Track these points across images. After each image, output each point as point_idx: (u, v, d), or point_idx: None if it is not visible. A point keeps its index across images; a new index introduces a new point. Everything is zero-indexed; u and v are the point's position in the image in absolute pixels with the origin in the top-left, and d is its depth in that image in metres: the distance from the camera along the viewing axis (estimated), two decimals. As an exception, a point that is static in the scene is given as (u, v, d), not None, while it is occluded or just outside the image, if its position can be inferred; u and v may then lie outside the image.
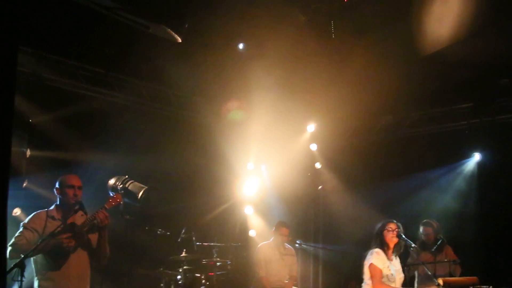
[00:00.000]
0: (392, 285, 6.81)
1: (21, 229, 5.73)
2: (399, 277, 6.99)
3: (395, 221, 7.11)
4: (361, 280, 7.10)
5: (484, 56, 9.00)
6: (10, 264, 5.03)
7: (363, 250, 7.25)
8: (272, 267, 9.49)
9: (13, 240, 5.60)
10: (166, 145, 10.41)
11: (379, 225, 7.12)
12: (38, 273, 5.74)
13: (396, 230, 6.98)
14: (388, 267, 6.83)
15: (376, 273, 6.76)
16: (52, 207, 5.97)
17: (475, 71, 9.52)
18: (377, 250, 6.91)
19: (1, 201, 2.58)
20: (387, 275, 6.77)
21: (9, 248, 5.53)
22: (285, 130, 11.70)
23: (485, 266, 9.60)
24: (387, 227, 7.00)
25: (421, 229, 9.22)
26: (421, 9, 8.37)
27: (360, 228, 10.09)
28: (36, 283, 5.74)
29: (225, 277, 9.94)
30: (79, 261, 5.88)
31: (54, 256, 5.68)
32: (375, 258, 6.83)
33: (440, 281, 7.29)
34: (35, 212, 5.93)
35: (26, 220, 5.84)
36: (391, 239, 6.96)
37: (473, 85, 10.11)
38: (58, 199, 5.99)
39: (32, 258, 5.65)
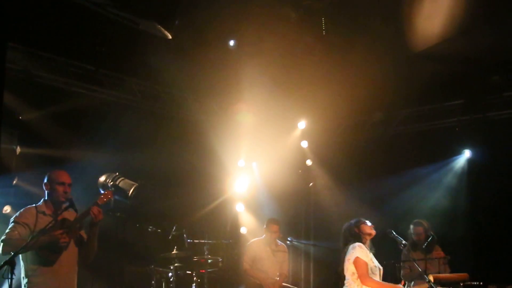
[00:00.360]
0: (377, 277, 6.69)
1: (12, 224, 5.68)
2: (380, 268, 6.86)
3: (361, 219, 7.01)
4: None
5: (474, 53, 9.03)
6: (0, 261, 5.01)
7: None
8: (262, 263, 9.51)
9: (5, 235, 5.56)
10: (157, 142, 10.40)
11: (352, 222, 6.95)
12: (28, 269, 5.68)
13: (372, 224, 6.92)
14: (371, 259, 6.71)
15: (363, 267, 6.55)
16: (40, 203, 5.93)
17: (465, 68, 9.54)
18: (359, 244, 6.73)
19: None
20: (371, 268, 6.62)
21: (1, 244, 5.50)
22: (276, 127, 11.72)
23: (475, 262, 9.64)
24: (363, 221, 6.90)
25: (411, 228, 9.22)
26: (411, 6, 8.39)
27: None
28: (25, 280, 5.69)
29: (216, 274, 9.93)
30: (69, 257, 5.85)
31: (47, 253, 5.64)
32: (359, 251, 6.62)
33: (431, 278, 7.30)
34: (25, 207, 5.90)
35: (17, 215, 5.78)
36: (371, 230, 6.86)
37: (463, 82, 10.13)
38: (46, 195, 5.94)
39: (21, 254, 5.62)
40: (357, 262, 6.59)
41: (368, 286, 6.54)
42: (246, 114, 11.22)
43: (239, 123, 11.23)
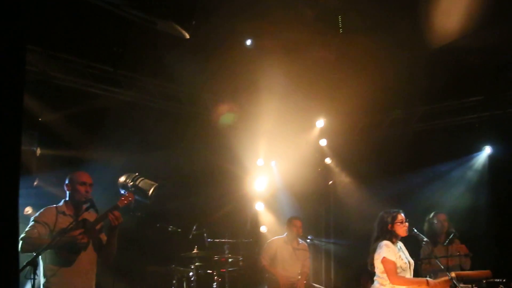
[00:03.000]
0: (407, 273, 6.67)
1: (32, 223, 5.71)
2: (411, 263, 6.83)
3: (401, 211, 6.93)
4: (372, 274, 6.97)
5: (494, 49, 8.96)
6: (22, 262, 5.03)
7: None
8: (284, 261, 9.51)
9: (24, 233, 5.58)
10: (175, 142, 10.42)
11: (386, 216, 6.85)
12: (47, 269, 5.70)
13: (406, 221, 6.84)
14: (400, 257, 6.68)
15: (391, 267, 6.56)
16: (61, 203, 5.95)
17: (485, 64, 9.47)
18: (386, 242, 6.67)
19: (12, 200, 2.58)
20: (400, 265, 6.60)
21: (20, 242, 5.51)
22: (294, 126, 11.70)
23: (498, 259, 9.55)
24: (397, 220, 6.83)
25: (434, 219, 9.11)
26: (429, 1, 8.34)
27: (370, 223, 10.03)
28: (43, 279, 5.71)
29: (237, 273, 9.93)
30: (88, 258, 5.87)
31: (65, 253, 5.67)
32: (386, 251, 6.61)
33: (453, 274, 7.23)
34: (45, 207, 5.93)
35: (37, 214, 5.81)
36: (404, 232, 6.81)
37: (483, 78, 10.06)
38: (67, 195, 5.97)
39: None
40: (385, 262, 6.56)
41: (398, 285, 6.54)
42: (229, 115, 11.23)
43: (224, 125, 11.22)
